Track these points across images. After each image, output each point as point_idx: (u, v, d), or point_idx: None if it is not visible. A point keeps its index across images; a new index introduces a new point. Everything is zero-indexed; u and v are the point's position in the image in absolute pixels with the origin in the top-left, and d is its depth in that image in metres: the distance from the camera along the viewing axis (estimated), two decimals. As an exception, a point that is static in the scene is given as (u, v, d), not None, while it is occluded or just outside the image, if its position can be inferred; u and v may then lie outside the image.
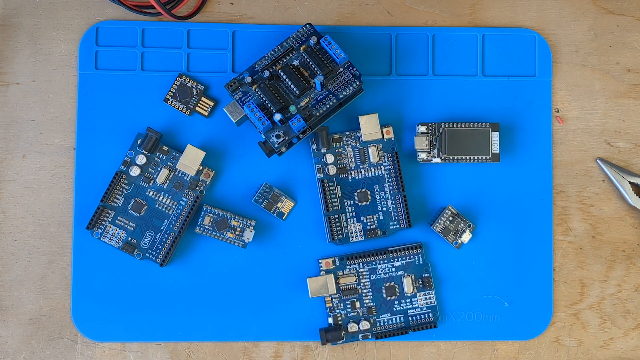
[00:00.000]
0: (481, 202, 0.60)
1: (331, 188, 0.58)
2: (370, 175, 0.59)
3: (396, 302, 0.59)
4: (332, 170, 0.58)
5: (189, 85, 0.59)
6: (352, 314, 0.59)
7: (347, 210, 0.59)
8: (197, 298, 0.59)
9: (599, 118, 0.61)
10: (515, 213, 0.60)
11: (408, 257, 0.59)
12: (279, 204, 0.59)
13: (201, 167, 0.58)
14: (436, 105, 0.60)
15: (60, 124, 0.59)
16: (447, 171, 0.60)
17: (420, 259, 0.59)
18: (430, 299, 0.59)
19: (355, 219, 0.59)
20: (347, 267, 0.59)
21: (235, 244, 0.58)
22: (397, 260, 0.59)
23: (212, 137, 0.59)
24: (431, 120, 0.60)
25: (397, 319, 0.59)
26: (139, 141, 0.58)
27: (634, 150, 0.61)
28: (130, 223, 0.58)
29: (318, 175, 0.59)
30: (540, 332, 0.60)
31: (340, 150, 0.59)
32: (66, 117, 0.59)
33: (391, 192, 0.59)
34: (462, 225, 0.59)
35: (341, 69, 0.56)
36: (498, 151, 0.58)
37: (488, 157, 0.58)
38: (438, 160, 0.59)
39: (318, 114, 0.55)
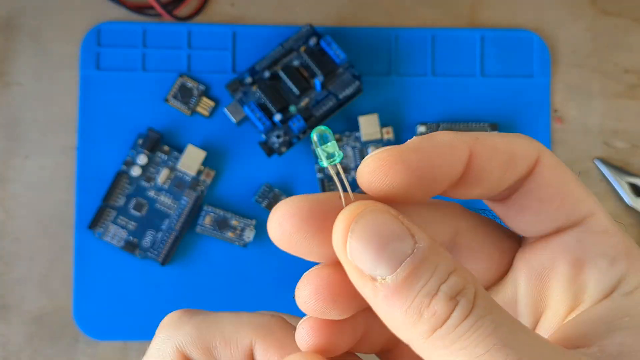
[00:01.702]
0: (481, 201, 0.60)
1: (331, 188, 0.59)
2: (370, 175, 0.59)
3: (395, 301, 0.59)
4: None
5: (189, 85, 0.60)
6: (351, 312, 0.59)
7: (347, 210, 0.59)
8: (197, 297, 0.59)
9: (597, 118, 0.61)
10: (514, 213, 0.60)
11: (407, 257, 0.59)
12: (279, 204, 0.59)
13: (202, 167, 0.59)
14: (436, 105, 0.60)
15: (62, 124, 0.60)
16: (446, 171, 0.60)
17: (420, 258, 0.59)
18: (429, 298, 0.59)
19: (355, 218, 0.59)
20: (347, 266, 0.59)
21: (236, 243, 0.59)
22: (397, 260, 0.59)
23: (213, 137, 0.60)
24: (431, 121, 0.60)
25: (397, 317, 0.59)
26: (140, 141, 0.59)
27: (632, 151, 0.61)
28: (131, 222, 0.58)
29: (318, 175, 0.59)
30: (539, 330, 0.60)
31: (340, 150, 0.59)
32: (68, 117, 0.60)
33: (391, 191, 0.59)
34: (461, 224, 0.59)
35: (341, 70, 0.57)
36: (497, 151, 0.59)
37: (487, 157, 0.59)
38: (437, 160, 0.59)
39: (318, 114, 0.56)
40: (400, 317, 0.19)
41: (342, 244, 0.20)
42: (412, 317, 0.19)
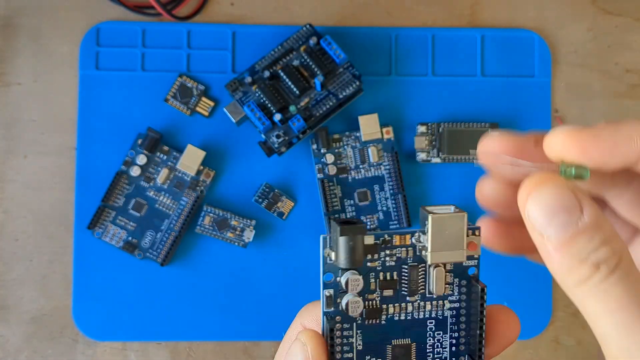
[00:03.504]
0: (481, 202, 0.60)
1: (331, 188, 0.59)
2: (370, 175, 0.59)
3: (396, 302, 0.59)
4: (332, 170, 0.59)
5: (189, 85, 0.59)
6: (351, 313, 0.59)
7: (347, 210, 0.59)
8: (197, 297, 0.59)
9: (598, 118, 0.61)
10: (514, 213, 0.60)
11: (408, 257, 0.59)
12: (279, 204, 0.59)
13: (201, 167, 0.59)
14: (436, 105, 0.60)
15: (61, 124, 0.60)
16: (446, 171, 0.60)
17: (420, 258, 0.59)
18: (429, 298, 0.59)
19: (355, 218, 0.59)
20: (347, 266, 0.59)
21: (236, 243, 0.58)
22: (397, 260, 0.59)
23: (213, 137, 0.60)
24: (431, 120, 0.60)
25: (397, 318, 0.59)
26: (139, 141, 0.59)
27: (633, 151, 0.61)
28: (131, 223, 0.58)
29: (318, 175, 0.59)
30: (540, 331, 0.60)
31: (340, 150, 0.59)
32: (67, 117, 0.60)
33: (391, 192, 0.59)
34: (462, 225, 0.59)
35: (341, 69, 0.57)
36: (497, 151, 0.58)
37: (487, 157, 0.58)
38: (438, 160, 0.59)
39: (318, 114, 0.56)
40: (556, 267, 0.25)
41: (523, 204, 0.26)
42: (565, 270, 0.25)
